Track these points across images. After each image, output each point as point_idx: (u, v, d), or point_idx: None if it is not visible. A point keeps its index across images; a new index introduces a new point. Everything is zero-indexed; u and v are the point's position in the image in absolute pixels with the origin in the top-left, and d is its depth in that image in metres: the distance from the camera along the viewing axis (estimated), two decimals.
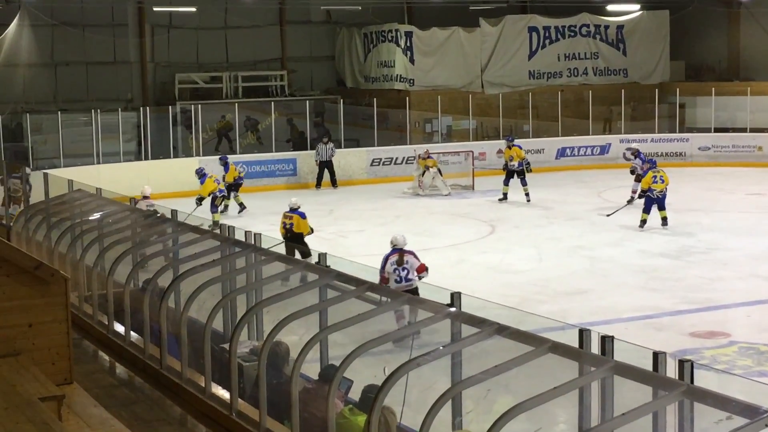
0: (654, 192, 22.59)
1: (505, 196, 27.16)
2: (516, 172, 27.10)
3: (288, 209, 19.07)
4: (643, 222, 22.46)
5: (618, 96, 35.53)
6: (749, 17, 38.40)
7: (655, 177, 22.71)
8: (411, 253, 14.86)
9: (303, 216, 18.97)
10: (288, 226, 18.88)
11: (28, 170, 23.85)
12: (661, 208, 22.73)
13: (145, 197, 20.87)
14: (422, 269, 14.72)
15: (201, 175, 24.85)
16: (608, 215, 23.75)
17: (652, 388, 5.22)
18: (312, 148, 31.45)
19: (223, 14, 36.42)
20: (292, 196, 20.65)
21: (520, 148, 27.75)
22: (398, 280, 14.48)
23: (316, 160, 30.63)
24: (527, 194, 26.74)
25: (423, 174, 28.94)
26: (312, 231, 19.21)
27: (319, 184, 30.21)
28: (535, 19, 37.18)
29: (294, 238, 18.50)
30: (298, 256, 16.22)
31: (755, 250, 20.40)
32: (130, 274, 9.51)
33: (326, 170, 30.63)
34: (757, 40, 38.05)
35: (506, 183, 27.24)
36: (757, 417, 4.54)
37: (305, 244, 18.05)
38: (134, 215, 11.74)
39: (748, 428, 4.53)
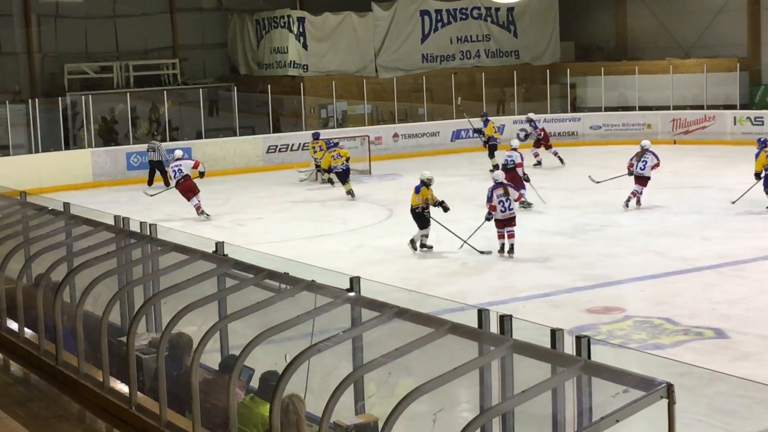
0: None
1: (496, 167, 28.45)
2: (493, 145, 28.84)
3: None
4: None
5: (510, 77, 35.91)
6: None
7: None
8: (509, 185, 18.71)
9: (417, 190, 19.06)
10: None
11: None
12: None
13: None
14: (519, 198, 19.07)
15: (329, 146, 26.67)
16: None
17: (550, 364, 5.29)
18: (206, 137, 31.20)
19: (112, 3, 35.82)
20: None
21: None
22: (503, 210, 18.16)
23: (150, 159, 28.67)
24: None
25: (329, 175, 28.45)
26: (438, 203, 19.14)
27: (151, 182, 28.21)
28: (427, 3, 37.32)
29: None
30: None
31: (647, 225, 20.83)
32: (22, 269, 9.30)
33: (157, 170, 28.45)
34: (643, 20, 38.82)
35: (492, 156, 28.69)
36: (653, 389, 4.63)
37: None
38: (25, 209, 11.48)
39: (644, 400, 4.62)
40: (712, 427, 9.87)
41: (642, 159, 22.44)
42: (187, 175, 23.40)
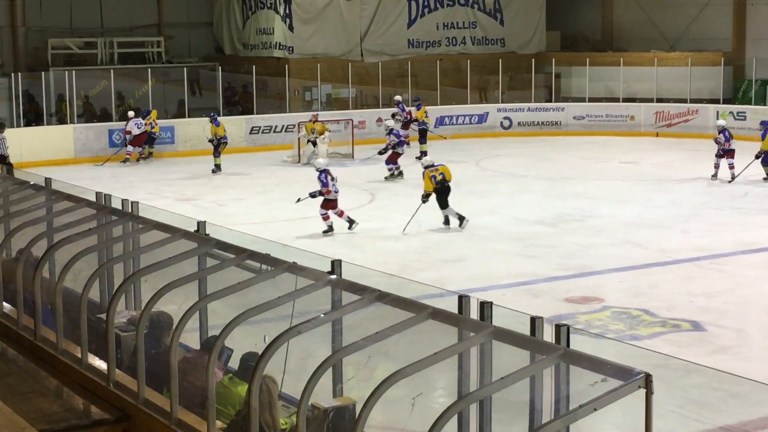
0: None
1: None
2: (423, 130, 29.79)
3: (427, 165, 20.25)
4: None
5: (495, 65, 35.89)
6: None
7: None
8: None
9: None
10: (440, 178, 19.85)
11: None
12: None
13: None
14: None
15: (214, 119, 27.93)
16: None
17: (529, 352, 5.30)
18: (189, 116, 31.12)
19: None
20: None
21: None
22: (336, 191, 19.59)
23: None
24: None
25: (314, 143, 28.47)
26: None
27: None
28: None
29: (445, 191, 19.79)
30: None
31: (627, 217, 20.90)
32: (2, 243, 9.26)
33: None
34: (629, 11, 38.90)
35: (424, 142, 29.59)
36: (631, 379, 4.66)
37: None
38: (6, 183, 11.43)
39: (622, 390, 4.65)
40: (687, 418, 9.92)
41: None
42: (145, 131, 28.84)
